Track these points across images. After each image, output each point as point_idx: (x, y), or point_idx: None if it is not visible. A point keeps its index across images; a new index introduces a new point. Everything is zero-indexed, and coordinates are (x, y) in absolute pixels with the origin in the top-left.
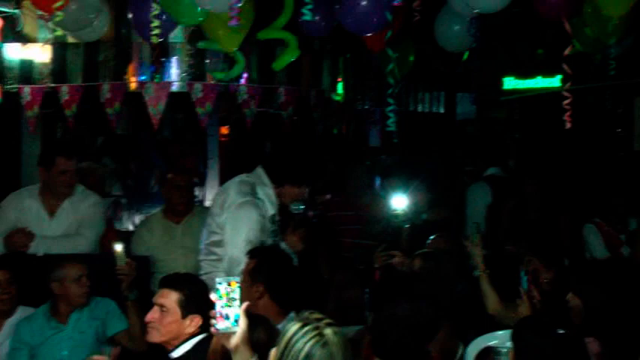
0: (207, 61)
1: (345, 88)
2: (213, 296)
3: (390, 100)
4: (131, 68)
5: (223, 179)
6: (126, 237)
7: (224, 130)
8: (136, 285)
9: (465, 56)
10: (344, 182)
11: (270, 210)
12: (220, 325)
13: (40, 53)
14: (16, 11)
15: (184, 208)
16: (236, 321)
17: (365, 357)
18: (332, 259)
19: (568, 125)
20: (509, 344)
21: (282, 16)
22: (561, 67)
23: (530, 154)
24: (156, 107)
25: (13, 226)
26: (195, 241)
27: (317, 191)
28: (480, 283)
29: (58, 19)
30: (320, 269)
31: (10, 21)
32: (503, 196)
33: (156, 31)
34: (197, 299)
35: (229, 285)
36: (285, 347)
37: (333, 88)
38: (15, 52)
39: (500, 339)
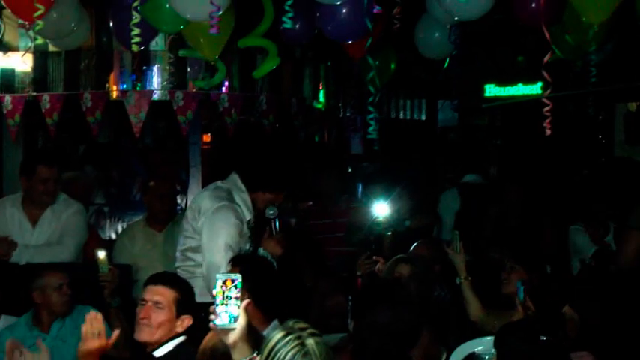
0: (189, 69)
1: (327, 95)
2: (213, 291)
3: (371, 108)
4: (112, 76)
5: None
6: (109, 245)
7: (206, 138)
8: (119, 292)
9: (446, 63)
10: (317, 190)
11: (247, 215)
12: (218, 321)
13: (21, 62)
14: None
15: (166, 216)
16: (234, 318)
17: None
18: (314, 267)
19: (548, 132)
20: (494, 351)
21: (263, 24)
22: (542, 74)
23: (511, 160)
24: (137, 115)
25: None
26: None
27: (299, 199)
28: (462, 290)
29: (38, 27)
30: (302, 277)
31: None
32: (482, 204)
33: (136, 40)
34: (190, 299)
35: (224, 283)
36: (268, 355)
37: (315, 96)
38: None
39: (485, 345)
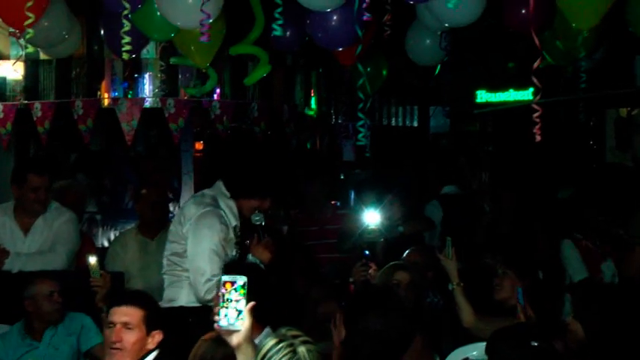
0: (180, 77)
1: (318, 102)
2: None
3: (361, 115)
4: (104, 84)
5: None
6: (101, 253)
7: (198, 145)
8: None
9: (437, 70)
10: (304, 197)
11: (233, 221)
12: (223, 322)
13: (12, 70)
14: None
15: (158, 223)
16: (237, 320)
17: None
18: (307, 274)
19: (538, 138)
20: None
21: (254, 31)
22: (533, 80)
23: (503, 166)
24: (129, 123)
25: None
26: None
27: (290, 206)
28: (454, 296)
29: (29, 36)
30: (294, 284)
31: None
32: (462, 213)
33: (127, 48)
34: (157, 314)
35: (224, 286)
36: None
37: (307, 103)
38: None
39: (480, 350)
